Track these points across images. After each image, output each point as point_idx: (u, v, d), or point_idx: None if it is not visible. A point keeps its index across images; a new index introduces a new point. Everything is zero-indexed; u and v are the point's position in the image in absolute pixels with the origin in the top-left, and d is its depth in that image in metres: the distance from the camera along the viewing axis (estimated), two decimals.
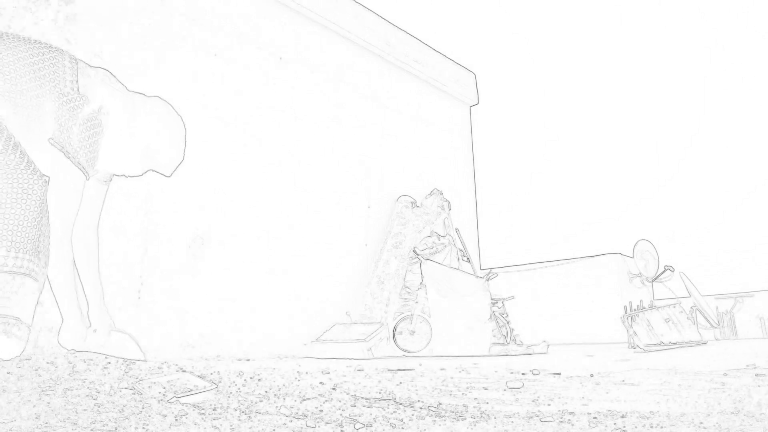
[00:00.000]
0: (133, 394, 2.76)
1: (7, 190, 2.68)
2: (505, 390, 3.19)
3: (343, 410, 2.63)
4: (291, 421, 2.40)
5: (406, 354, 6.38)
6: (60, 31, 4.74)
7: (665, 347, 6.79)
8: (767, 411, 2.50)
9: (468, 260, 7.98)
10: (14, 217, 2.66)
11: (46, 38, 4.60)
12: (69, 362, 3.32)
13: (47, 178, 2.78)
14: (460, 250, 7.97)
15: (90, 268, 3.28)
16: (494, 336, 6.81)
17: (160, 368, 3.46)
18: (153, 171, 3.57)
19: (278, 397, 2.90)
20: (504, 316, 7.18)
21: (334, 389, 3.11)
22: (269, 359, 5.48)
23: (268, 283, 6.26)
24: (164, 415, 2.39)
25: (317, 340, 6.36)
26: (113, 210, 4.96)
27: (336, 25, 7.73)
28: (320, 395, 2.96)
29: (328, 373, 3.79)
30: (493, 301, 7.09)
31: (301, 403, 2.77)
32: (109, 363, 3.44)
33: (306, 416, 2.51)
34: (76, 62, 3.01)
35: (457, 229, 8.14)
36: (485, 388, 3.24)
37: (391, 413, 2.58)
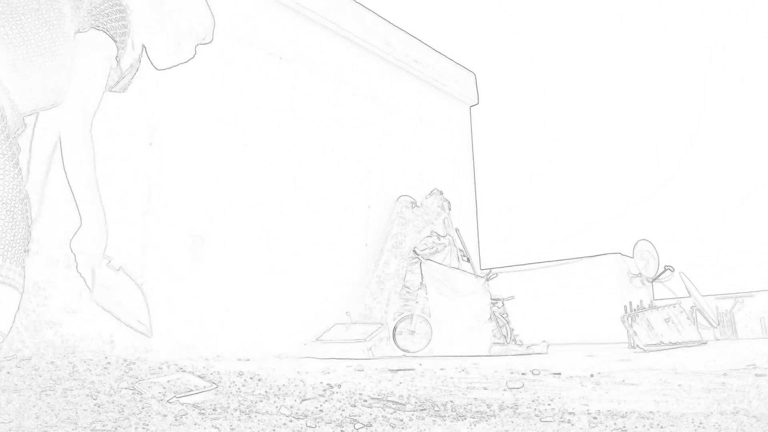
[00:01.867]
0: (133, 394, 2.76)
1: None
2: (505, 390, 3.19)
3: (343, 410, 2.63)
4: (291, 421, 2.40)
5: (406, 354, 6.38)
6: None
7: (665, 347, 6.79)
8: (767, 411, 2.50)
9: (468, 260, 7.98)
10: (6, 222, 2.46)
11: None
12: (69, 362, 3.33)
13: (26, 175, 2.51)
14: (460, 250, 7.97)
15: (85, 174, 2.80)
16: (494, 336, 6.81)
17: (160, 368, 3.46)
18: (200, 44, 3.21)
19: (278, 397, 2.90)
20: (504, 316, 7.18)
21: (331, 386, 3.11)
22: (269, 359, 5.48)
23: (268, 283, 6.26)
24: (164, 415, 2.39)
25: (317, 340, 6.36)
26: (113, 210, 4.96)
27: (336, 25, 7.73)
28: (320, 395, 2.96)
29: (328, 373, 3.80)
30: (493, 301, 7.09)
31: (301, 403, 2.77)
32: (109, 363, 3.44)
33: (306, 416, 2.51)
34: None
35: (457, 229, 8.14)
36: (485, 388, 3.24)
37: (391, 413, 2.58)
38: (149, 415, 2.38)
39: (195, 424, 2.28)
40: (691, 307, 9.01)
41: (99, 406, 2.46)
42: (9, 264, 2.44)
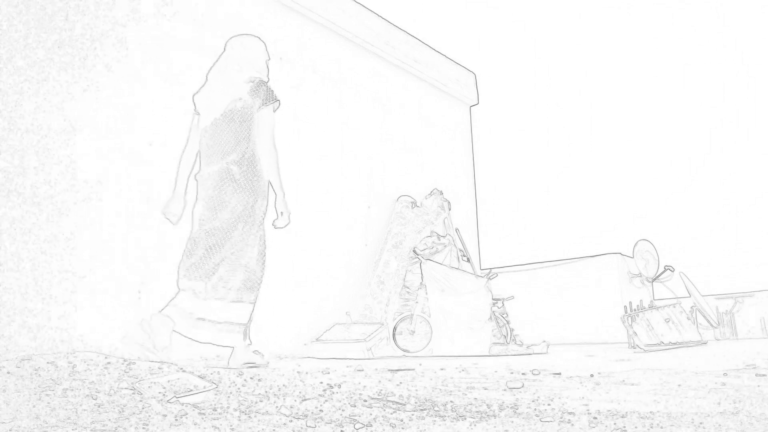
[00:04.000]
0: (133, 394, 2.76)
1: (249, 232, 4.98)
2: (505, 390, 3.19)
3: (343, 410, 2.64)
4: (291, 421, 2.41)
5: (406, 354, 6.38)
6: (62, 27, 4.74)
7: (665, 347, 6.79)
8: (767, 411, 2.50)
9: (468, 260, 7.98)
10: (249, 260, 4.98)
11: (51, 36, 4.62)
12: (69, 362, 3.33)
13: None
14: (460, 250, 7.97)
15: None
16: (494, 336, 6.81)
17: (160, 368, 3.46)
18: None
19: (278, 397, 2.90)
20: (504, 316, 7.18)
21: (331, 386, 3.11)
22: (269, 359, 5.48)
23: (268, 283, 6.25)
24: (164, 415, 2.40)
25: (317, 340, 6.36)
26: (114, 211, 4.96)
27: (336, 25, 7.73)
28: (320, 395, 2.96)
29: (328, 373, 3.80)
30: (493, 301, 7.09)
31: (301, 403, 2.77)
32: (109, 363, 3.44)
33: (306, 416, 2.51)
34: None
35: (457, 229, 8.14)
36: (485, 388, 3.24)
37: (391, 413, 2.58)
38: (149, 415, 2.38)
39: (195, 424, 2.28)
40: (691, 307, 9.01)
41: (99, 406, 2.47)
42: (248, 293, 4.93)
